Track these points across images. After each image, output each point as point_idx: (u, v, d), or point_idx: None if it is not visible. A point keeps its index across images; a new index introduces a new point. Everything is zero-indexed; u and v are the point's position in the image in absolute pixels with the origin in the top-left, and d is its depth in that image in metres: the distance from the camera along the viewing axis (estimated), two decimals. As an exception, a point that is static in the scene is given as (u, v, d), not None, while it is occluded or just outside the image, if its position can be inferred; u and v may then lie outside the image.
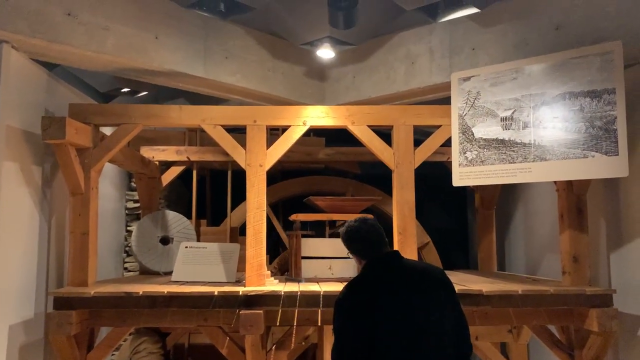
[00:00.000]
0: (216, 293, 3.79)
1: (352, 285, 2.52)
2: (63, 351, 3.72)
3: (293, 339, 4.03)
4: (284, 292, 3.79)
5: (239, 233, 6.07)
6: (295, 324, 3.97)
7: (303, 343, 4.81)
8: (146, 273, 5.36)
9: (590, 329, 3.70)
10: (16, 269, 3.76)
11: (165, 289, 3.83)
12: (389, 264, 2.53)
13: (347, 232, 2.62)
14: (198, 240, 5.72)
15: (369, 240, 2.57)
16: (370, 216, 2.77)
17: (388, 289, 2.43)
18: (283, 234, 6.48)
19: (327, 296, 3.77)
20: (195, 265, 4.54)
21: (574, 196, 3.94)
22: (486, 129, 3.88)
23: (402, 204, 4.11)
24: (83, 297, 3.70)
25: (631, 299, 3.80)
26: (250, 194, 4.11)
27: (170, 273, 4.80)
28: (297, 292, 3.79)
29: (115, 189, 5.80)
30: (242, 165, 4.15)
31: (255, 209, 4.11)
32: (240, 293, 3.78)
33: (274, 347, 4.00)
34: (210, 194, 6.85)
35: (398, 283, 2.46)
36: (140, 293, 3.75)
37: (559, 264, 4.08)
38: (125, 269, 5.93)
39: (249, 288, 3.85)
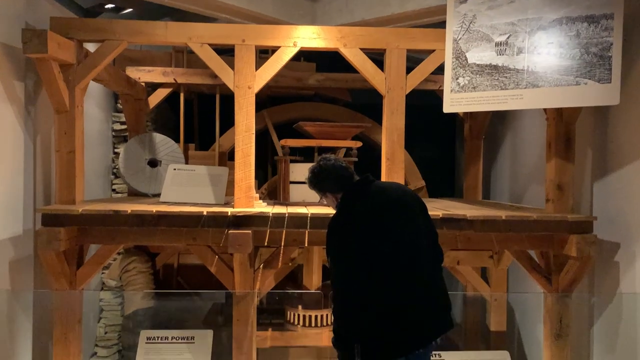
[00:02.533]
0: (205, 213, 3.82)
1: (335, 219, 2.60)
2: (52, 267, 3.77)
3: (280, 259, 4.11)
4: (272, 213, 3.83)
5: (228, 158, 6.06)
6: (282, 245, 4.04)
7: (290, 264, 4.93)
8: (134, 195, 5.37)
9: (569, 254, 3.82)
10: (2, 186, 3.74)
11: (154, 208, 3.86)
12: (363, 189, 2.61)
13: (315, 173, 2.68)
14: (186, 164, 5.70)
15: (336, 174, 2.64)
16: (330, 155, 2.82)
17: (368, 215, 2.52)
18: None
19: (315, 218, 3.82)
20: (184, 187, 4.55)
21: (563, 125, 3.94)
22: (480, 54, 3.80)
23: (391, 130, 4.09)
24: (71, 214, 3.71)
25: (610, 226, 3.90)
26: (238, 117, 4.05)
27: (158, 195, 4.81)
28: (285, 213, 3.84)
29: (101, 109, 5.70)
30: (230, 86, 4.06)
31: (244, 132, 4.07)
32: (229, 213, 3.81)
33: (261, 267, 4.09)
34: (198, 118, 6.77)
35: (375, 205, 2.54)
36: (129, 212, 3.77)
37: (543, 194, 4.15)
38: (114, 190, 5.94)
39: (238, 209, 3.88)
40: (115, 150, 5.97)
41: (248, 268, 3.98)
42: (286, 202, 4.61)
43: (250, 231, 3.81)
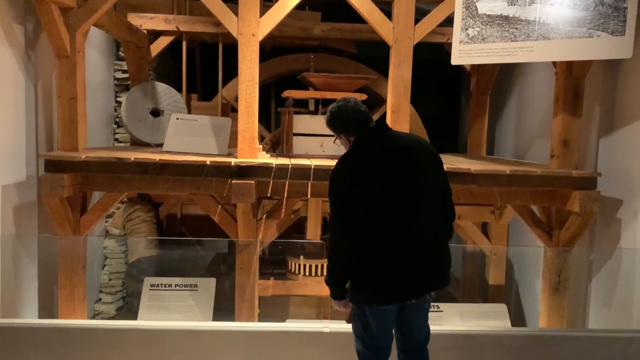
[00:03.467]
0: (208, 162, 3.81)
1: (345, 160, 2.56)
2: (56, 213, 3.80)
3: (283, 210, 4.13)
4: (275, 164, 3.82)
5: (231, 109, 6.00)
6: (285, 196, 4.05)
7: (292, 216, 4.97)
8: (137, 144, 5.35)
9: (571, 210, 3.83)
10: (4, 130, 3.72)
11: (157, 156, 3.84)
12: (378, 136, 2.56)
13: (332, 113, 2.63)
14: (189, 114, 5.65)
15: (354, 116, 2.59)
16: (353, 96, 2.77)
17: (379, 160, 2.48)
18: None
19: (318, 170, 3.81)
20: (187, 137, 4.52)
21: (573, 79, 3.87)
22: (491, 4, 3.70)
23: (397, 82, 4.03)
24: (74, 160, 3.71)
25: (614, 183, 3.90)
26: (242, 65, 3.97)
27: (161, 145, 4.79)
28: (288, 164, 3.82)
29: (103, 57, 5.61)
30: (234, 34, 3.97)
31: (248, 81, 4.00)
32: (233, 163, 3.80)
33: (264, 217, 4.12)
34: (200, 68, 6.67)
35: (387, 154, 2.50)
36: (132, 159, 3.76)
37: (548, 151, 4.12)
38: (116, 139, 5.92)
39: (241, 159, 3.87)
40: (118, 99, 5.91)
41: (251, 218, 4.00)
42: (289, 154, 4.59)
43: (253, 181, 3.81)
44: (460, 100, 7.32)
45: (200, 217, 6.25)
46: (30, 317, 4.04)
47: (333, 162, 3.89)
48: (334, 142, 2.72)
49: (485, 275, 5.39)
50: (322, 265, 4.82)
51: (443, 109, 7.25)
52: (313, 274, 4.85)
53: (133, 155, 3.80)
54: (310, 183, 3.97)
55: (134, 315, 5.08)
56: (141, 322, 3.57)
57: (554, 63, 3.99)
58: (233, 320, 4.20)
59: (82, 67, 3.98)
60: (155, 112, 5.39)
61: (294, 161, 3.95)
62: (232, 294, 4.95)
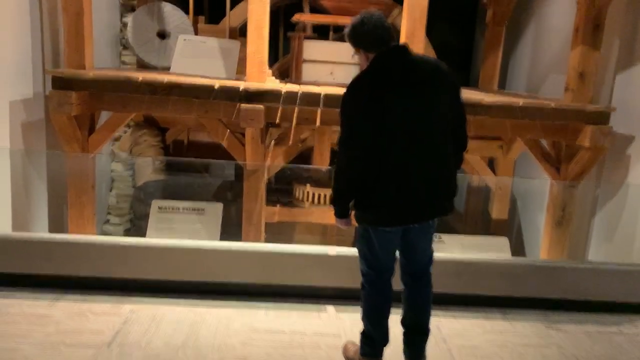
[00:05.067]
0: (217, 86, 3.76)
1: (361, 78, 2.49)
2: (64, 131, 3.79)
3: (291, 136, 4.12)
4: (285, 90, 3.77)
5: (239, 34, 5.84)
6: (294, 123, 4.02)
7: (300, 145, 4.96)
8: (143, 67, 5.26)
9: (581, 145, 3.81)
10: (9, 45, 3.65)
11: (165, 77, 3.79)
12: (397, 57, 2.48)
13: (354, 26, 2.51)
14: (196, 37, 5.51)
15: (376, 33, 2.48)
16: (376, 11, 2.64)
17: (396, 81, 2.43)
18: None
19: (328, 97, 3.77)
20: (194, 59, 4.43)
21: (595, 9, 3.74)
22: None
23: (413, 7, 3.89)
24: (82, 78, 3.66)
25: (628, 119, 3.85)
26: (253, -16, 3.84)
27: (167, 68, 4.71)
28: (298, 91, 3.77)
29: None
30: (245, -50, 3.81)
31: (257, 1, 3.88)
32: (241, 88, 3.75)
33: (272, 143, 4.11)
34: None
35: (406, 75, 2.44)
36: (140, 79, 3.71)
37: (561, 86, 4.04)
38: (123, 62, 5.82)
39: (250, 84, 3.81)
40: (123, 19, 5.76)
41: (259, 144, 3.99)
42: (298, 81, 4.51)
43: (262, 107, 3.77)
44: (474, 32, 7.11)
45: (207, 144, 6.25)
46: (40, 232, 4.12)
47: (343, 89, 3.85)
48: (352, 56, 2.62)
49: (489, 209, 5.44)
50: (330, 194, 4.85)
51: (456, 40, 7.04)
52: (320, 202, 4.89)
53: (141, 75, 3.75)
54: (319, 110, 3.93)
55: (141, 236, 5.20)
56: (151, 240, 3.63)
57: (577, -9, 3.84)
58: (240, 244, 4.28)
59: (88, -19, 3.85)
60: (162, 34, 5.25)
61: (304, 88, 3.89)
62: (239, 221, 5.02)
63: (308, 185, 4.90)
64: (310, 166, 4.98)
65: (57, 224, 4.34)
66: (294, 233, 5.63)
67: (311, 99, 3.78)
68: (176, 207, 4.61)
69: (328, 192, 4.89)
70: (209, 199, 5.88)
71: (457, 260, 3.62)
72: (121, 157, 5.79)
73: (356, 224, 2.65)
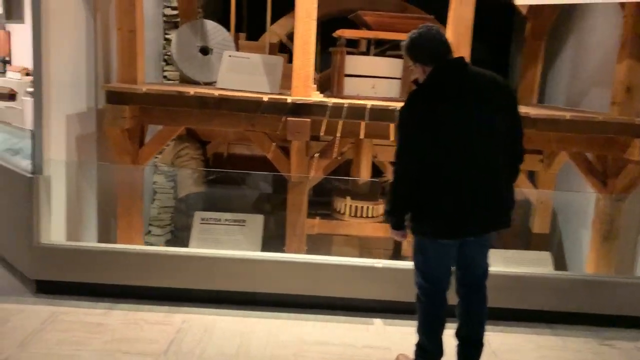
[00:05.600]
0: (265, 99, 3.84)
1: (418, 92, 2.54)
2: (118, 144, 3.91)
3: (335, 149, 4.17)
4: (332, 102, 3.83)
5: (278, 49, 5.95)
6: (338, 135, 4.08)
7: (339, 157, 5.00)
8: (186, 82, 5.39)
9: (629, 159, 3.77)
10: (67, 61, 3.80)
11: (216, 91, 3.89)
12: (455, 70, 2.52)
13: (412, 39, 2.56)
14: (237, 53, 5.63)
15: (434, 46, 2.53)
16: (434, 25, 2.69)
17: (452, 95, 2.46)
18: None
19: (374, 110, 3.82)
20: (239, 74, 4.53)
21: (643, 22, 3.73)
22: (563, -60, 3.53)
23: (458, 21, 3.93)
24: (135, 92, 3.78)
25: (677, 132, 3.80)
26: (299, 1, 3.93)
27: (209, 84, 4.82)
28: (344, 103, 3.83)
29: (152, -7, 5.59)
30: (292, -32, 3.91)
31: (304, 17, 3.97)
32: (289, 101, 3.82)
33: (316, 155, 4.16)
34: (247, 6, 6.59)
35: (463, 89, 2.48)
36: (192, 93, 3.81)
37: (603, 100, 4.02)
38: (165, 77, 5.97)
39: (297, 97, 3.88)
40: (166, 36, 5.92)
41: (305, 156, 4.05)
42: (340, 95, 4.57)
43: (309, 119, 3.84)
44: (510, 47, 7.10)
45: (246, 157, 6.35)
46: (89, 241, 4.23)
47: (388, 103, 3.90)
48: (408, 67, 2.67)
49: (529, 223, 5.38)
50: (370, 207, 4.88)
51: (492, 55, 7.04)
52: (360, 215, 4.91)
53: (193, 90, 3.86)
54: (364, 123, 3.99)
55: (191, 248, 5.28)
56: (201, 250, 3.70)
57: (622, 5, 3.83)
58: (281, 255, 4.33)
59: (141, 0, 3.99)
60: (204, 50, 5.39)
61: (350, 100, 3.94)
62: (277, 232, 5.08)
63: (348, 197, 4.93)
64: (351, 178, 5.02)
65: (105, 234, 4.45)
66: (332, 245, 5.66)
67: (357, 112, 3.84)
68: (218, 219, 4.69)
69: (368, 204, 4.92)
70: (247, 211, 5.95)
71: (503, 274, 3.60)
72: (163, 170, 5.92)
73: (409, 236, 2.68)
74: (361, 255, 5.63)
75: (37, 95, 3.46)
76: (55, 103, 3.60)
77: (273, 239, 4.78)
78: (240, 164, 6.24)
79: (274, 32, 5.99)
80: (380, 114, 3.84)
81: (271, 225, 5.22)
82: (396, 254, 5.72)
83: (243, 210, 5.86)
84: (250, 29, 6.58)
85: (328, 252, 5.40)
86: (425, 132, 2.42)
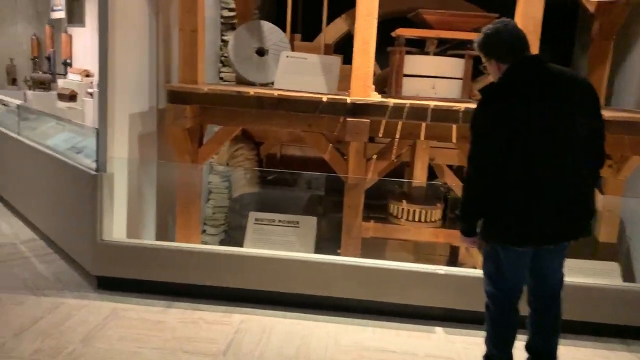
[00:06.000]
0: (324, 100, 3.79)
1: (492, 90, 2.42)
2: (178, 143, 3.94)
3: (394, 151, 4.08)
4: (392, 103, 3.74)
5: (333, 50, 5.91)
6: (397, 137, 3.99)
7: (395, 160, 4.90)
8: (242, 83, 5.41)
9: None
10: (131, 62, 3.86)
11: (275, 92, 3.87)
12: (532, 68, 2.39)
13: (487, 35, 2.44)
14: (292, 54, 5.62)
15: (511, 41, 2.40)
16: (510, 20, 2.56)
17: (530, 94, 2.33)
18: None
19: (437, 110, 3.71)
20: (297, 75, 4.50)
21: None
22: None
23: (526, 20, 3.76)
24: (196, 92, 3.80)
25: None
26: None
27: (265, 85, 4.82)
28: (405, 104, 3.74)
29: (210, -5, 5.65)
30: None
31: (365, 16, 3.90)
32: (348, 101, 3.76)
33: (374, 157, 4.08)
34: (302, 7, 6.58)
35: (541, 88, 2.34)
36: (251, 93, 3.81)
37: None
38: (221, 78, 6.02)
39: (356, 97, 3.81)
40: (223, 37, 5.97)
41: (363, 157, 3.98)
42: (398, 96, 4.47)
43: (368, 120, 3.77)
44: (573, 47, 6.81)
45: (299, 158, 6.33)
46: (148, 239, 4.28)
47: (451, 104, 3.77)
48: (481, 67, 2.56)
49: (596, 231, 5.11)
50: (427, 211, 4.75)
51: (555, 56, 6.76)
52: (416, 219, 4.79)
53: (252, 90, 3.85)
54: (424, 124, 3.88)
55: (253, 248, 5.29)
56: (260, 251, 3.68)
57: None
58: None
59: (203, 0, 4.02)
60: (261, 51, 5.40)
61: (411, 101, 3.84)
62: (329, 234, 5.01)
63: (404, 201, 4.82)
64: (409, 180, 4.90)
65: (163, 231, 4.50)
66: (386, 249, 5.56)
67: (418, 112, 3.74)
68: (272, 220, 4.67)
69: (425, 209, 4.80)
70: (300, 212, 5.94)
71: (571, 285, 3.40)
72: (218, 170, 5.97)
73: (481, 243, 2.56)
74: (416, 261, 5.51)
75: (103, 95, 3.52)
76: (119, 102, 3.66)
77: (324, 241, 4.73)
78: (293, 164, 6.23)
79: (330, 32, 5.95)
80: (442, 115, 3.73)
81: (322, 227, 5.17)
82: (452, 261, 5.57)
83: (295, 211, 5.85)
84: (304, 30, 6.56)
85: (382, 257, 5.29)
86: (501, 132, 2.30)
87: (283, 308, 3.49)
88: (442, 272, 3.43)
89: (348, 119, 3.78)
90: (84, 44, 10.52)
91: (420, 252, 5.56)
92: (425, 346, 3.15)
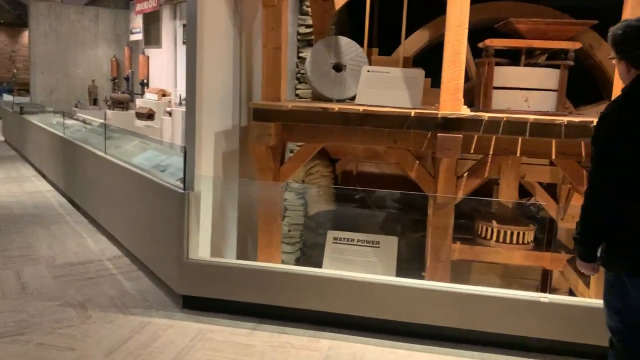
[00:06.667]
0: (412, 114, 3.63)
1: (619, 100, 2.17)
2: (261, 160, 3.88)
3: (487, 168, 3.84)
4: (487, 117, 3.52)
5: (412, 64, 5.75)
6: (491, 153, 3.75)
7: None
8: (318, 99, 5.33)
9: None
10: (217, 80, 3.85)
11: (360, 107, 3.74)
12: None
13: (625, 30, 2.17)
14: (370, 69, 5.50)
15: None
16: None
17: None
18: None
19: (536, 124, 3.45)
20: (379, 90, 4.36)
21: None
22: None
23: None
24: (280, 109, 3.73)
25: None
26: (451, 9, 3.68)
27: (342, 100, 4.72)
28: (501, 117, 3.50)
29: (288, 11, 5.62)
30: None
31: (456, 26, 3.71)
32: (439, 115, 3.57)
33: (465, 175, 3.85)
34: (377, 21, 6.47)
35: None
36: (336, 109, 3.70)
37: None
38: (297, 95, 5.98)
39: (448, 112, 3.62)
40: (300, 54, 5.94)
41: (454, 175, 3.77)
42: (487, 109, 4.23)
43: (460, 135, 3.56)
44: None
45: (375, 174, 6.18)
46: (229, 258, 4.24)
47: (552, 118, 3.51)
48: (610, 59, 2.28)
49: None
50: (519, 232, 4.45)
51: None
52: (507, 240, 4.50)
53: (337, 106, 3.74)
54: (521, 139, 3.63)
55: (312, 266, 5.17)
56: (347, 273, 3.53)
57: None
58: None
59: (287, 17, 3.98)
60: (338, 67, 5.30)
61: (507, 115, 3.60)
62: (408, 256, 4.79)
63: (494, 221, 4.54)
64: (499, 200, 4.63)
65: (243, 250, 4.45)
66: (471, 272, 5.27)
67: (516, 127, 3.49)
68: (351, 239, 4.52)
69: (517, 229, 4.49)
70: (377, 231, 5.75)
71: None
72: (293, 187, 5.90)
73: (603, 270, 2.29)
74: (504, 285, 5.18)
75: (191, 113, 3.51)
76: (206, 120, 3.65)
77: (403, 262, 4.53)
78: (369, 181, 6.08)
79: (408, 45, 5.79)
80: (541, 130, 3.47)
81: (401, 247, 4.97)
82: (545, 285, 5.20)
83: (373, 230, 5.67)
84: (381, 44, 6.44)
85: (467, 281, 5.02)
86: (627, 147, 2.06)
87: (371, 334, 3.31)
88: (546, 300, 3.15)
89: (439, 134, 3.58)
90: (160, 64, 10.94)
91: (508, 276, 5.23)
92: (532, 382, 2.88)
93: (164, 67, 10.60)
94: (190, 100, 3.52)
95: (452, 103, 3.73)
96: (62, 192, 6.71)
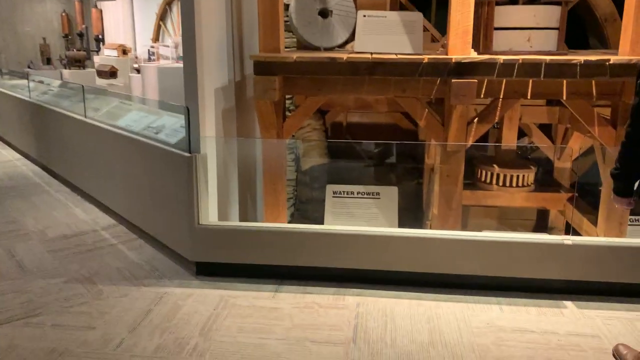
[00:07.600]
0: (425, 60, 3.49)
1: None
2: (265, 117, 3.69)
3: (497, 112, 3.76)
4: (502, 60, 3.41)
5: (399, 6, 5.53)
6: (501, 97, 3.67)
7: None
8: (305, 49, 5.10)
9: None
10: (214, 35, 3.59)
11: (370, 55, 3.57)
12: None
13: None
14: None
15: None
16: None
17: None
18: None
19: (552, 65, 3.38)
20: (377, 36, 4.17)
21: None
22: None
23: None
24: (285, 62, 3.52)
25: None
26: (457, -54, 3.49)
27: (330, 49, 4.51)
28: (517, 59, 3.41)
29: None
30: None
31: (463, -36, 3.53)
32: (453, 60, 3.44)
33: (475, 120, 3.77)
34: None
35: None
36: (344, 59, 3.52)
37: None
38: (281, 45, 5.69)
39: (462, 56, 3.48)
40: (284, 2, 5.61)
41: (466, 121, 3.68)
42: (488, 52, 4.12)
43: (475, 80, 3.45)
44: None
45: (364, 124, 6.05)
46: (234, 220, 4.10)
47: (568, 57, 3.43)
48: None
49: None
50: (521, 175, 4.46)
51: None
52: (508, 184, 4.51)
53: (345, 55, 3.55)
54: (531, 81, 3.56)
55: (306, 222, 5.08)
56: (366, 228, 3.44)
57: None
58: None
59: (281, -39, 3.69)
60: (324, 13, 5.04)
61: (523, 56, 3.50)
62: (407, 205, 4.77)
63: (495, 165, 4.53)
64: (499, 144, 4.61)
65: (245, 211, 4.31)
66: (468, 217, 5.31)
67: (531, 68, 3.41)
68: (351, 192, 4.44)
69: (518, 172, 4.51)
70: (373, 182, 5.69)
71: None
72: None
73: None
74: (500, 227, 5.26)
75: (191, 69, 3.26)
76: (207, 77, 3.40)
77: (405, 211, 4.50)
78: (359, 132, 5.96)
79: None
80: (557, 70, 3.39)
81: (399, 196, 4.94)
82: (540, 225, 5.30)
83: (368, 182, 5.61)
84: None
85: (467, 226, 5.06)
86: None
87: (395, 287, 3.28)
88: (569, 242, 3.17)
89: (453, 80, 3.46)
90: (115, 18, 10.26)
91: (505, 218, 5.30)
92: (562, 323, 2.92)
93: (120, 20, 9.96)
94: (190, 55, 3.25)
95: (461, 47, 3.59)
96: (35, 160, 6.30)
